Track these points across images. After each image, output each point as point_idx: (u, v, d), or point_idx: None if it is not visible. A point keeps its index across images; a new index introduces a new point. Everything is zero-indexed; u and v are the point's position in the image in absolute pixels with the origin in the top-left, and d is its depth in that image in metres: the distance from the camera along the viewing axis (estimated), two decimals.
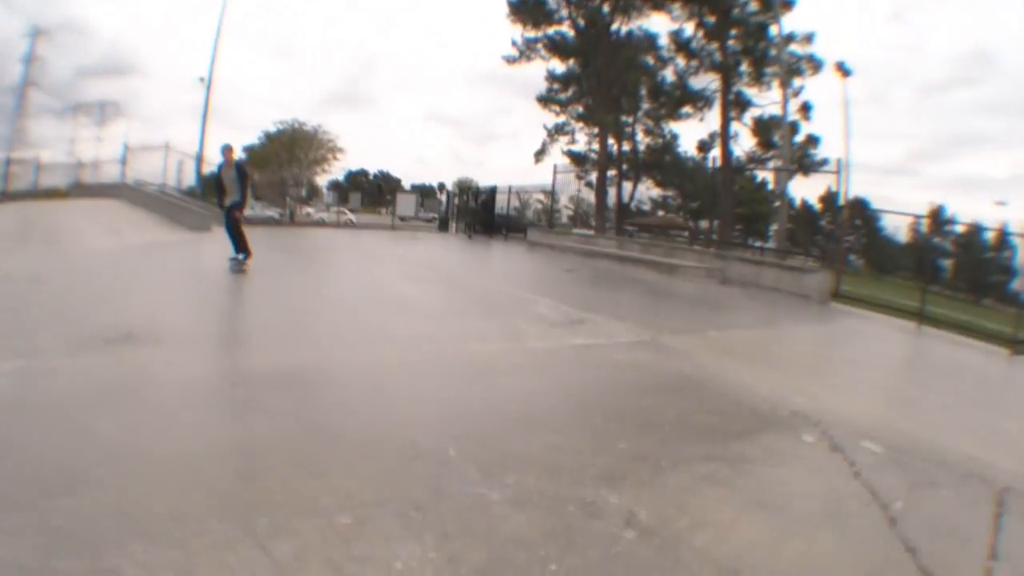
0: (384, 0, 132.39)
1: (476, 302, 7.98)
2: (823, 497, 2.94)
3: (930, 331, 10.38)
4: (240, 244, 9.05)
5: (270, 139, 52.72)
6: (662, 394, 4.35)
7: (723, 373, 5.00)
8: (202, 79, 27.54)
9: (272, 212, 26.37)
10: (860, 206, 25.99)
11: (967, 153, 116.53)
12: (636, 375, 4.80)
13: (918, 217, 18.49)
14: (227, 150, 9.39)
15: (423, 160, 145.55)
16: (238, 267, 8.75)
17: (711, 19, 26.54)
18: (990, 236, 44.07)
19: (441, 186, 73.79)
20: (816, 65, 25.17)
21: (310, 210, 38.14)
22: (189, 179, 26.04)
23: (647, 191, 30.63)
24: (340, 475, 2.61)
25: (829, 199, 25.52)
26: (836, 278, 12.52)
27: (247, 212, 9.88)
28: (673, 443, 3.39)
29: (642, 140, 31.86)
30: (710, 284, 12.79)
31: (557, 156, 30.74)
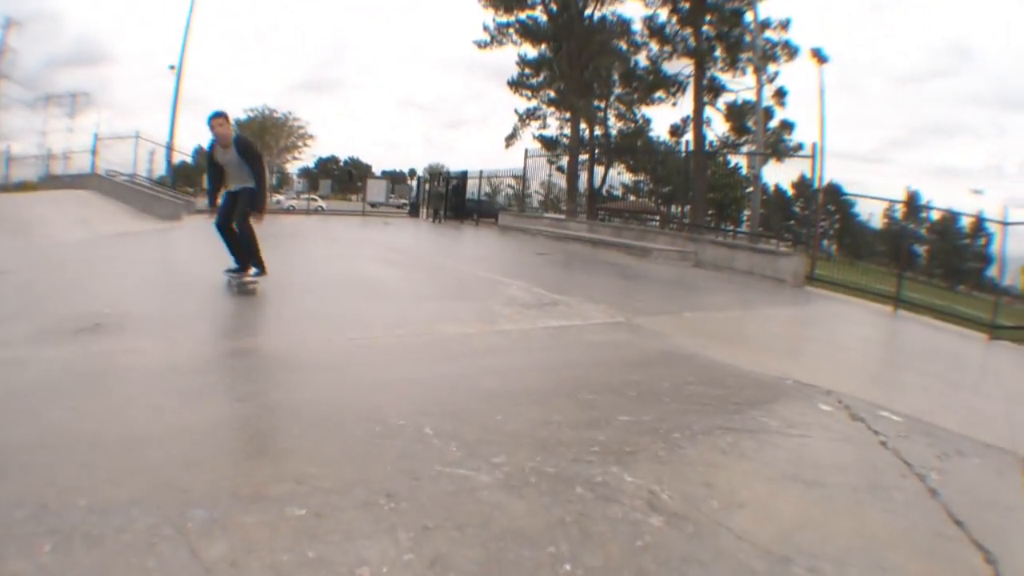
0: None
1: (448, 285, 7.66)
2: (858, 468, 2.63)
3: (907, 315, 10.27)
4: (251, 253, 5.96)
5: (240, 127, 51.58)
6: (649, 368, 4.07)
7: (705, 352, 4.70)
8: (172, 67, 26.18)
9: None
10: (834, 191, 26.18)
11: (942, 143, 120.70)
12: (617, 352, 4.55)
13: (893, 202, 18.58)
14: (217, 121, 5.78)
15: (394, 145, 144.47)
16: (243, 286, 5.85)
17: (686, 5, 26.13)
18: (966, 223, 45.12)
19: (412, 172, 73.00)
20: (792, 51, 24.95)
21: (280, 198, 37.14)
22: (160, 168, 25.88)
23: (619, 176, 30.24)
24: (298, 458, 2.21)
25: (802, 185, 25.60)
26: (810, 262, 12.40)
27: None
28: (680, 415, 3.03)
29: (614, 125, 31.48)
30: (683, 267, 12.51)
31: (528, 141, 30.19)
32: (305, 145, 54.21)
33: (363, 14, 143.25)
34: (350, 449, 2.33)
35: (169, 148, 24.82)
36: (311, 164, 69.49)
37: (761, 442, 2.73)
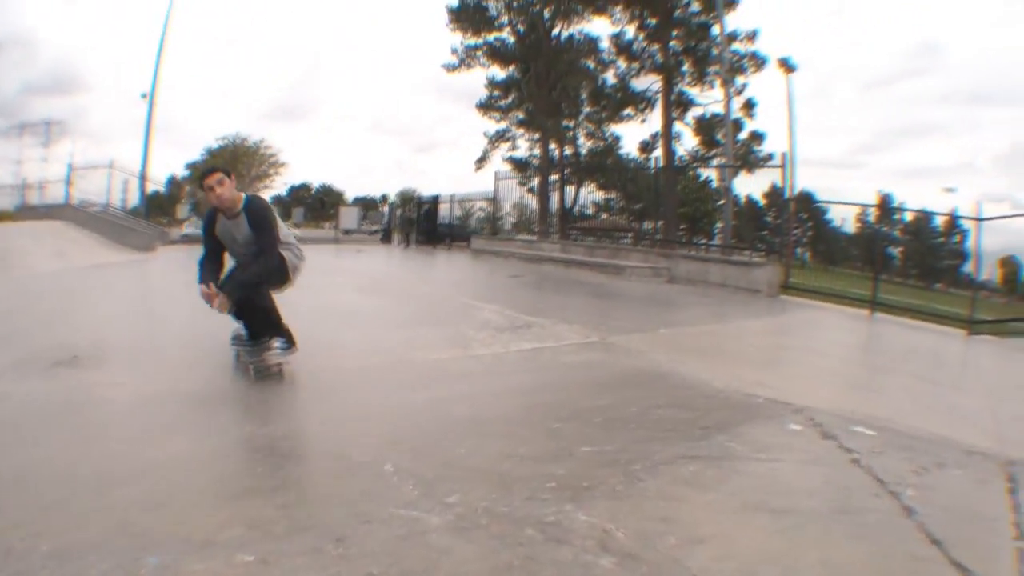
0: (323, 10, 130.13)
1: (420, 310, 7.60)
2: (828, 491, 2.55)
3: (884, 317, 10.35)
4: (270, 320, 4.09)
5: (212, 155, 51.35)
6: (620, 390, 4.02)
7: (680, 368, 4.66)
8: (144, 95, 26.00)
9: None
10: (806, 199, 26.56)
11: (912, 143, 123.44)
12: (589, 374, 4.52)
13: (865, 206, 18.91)
14: (215, 178, 3.82)
15: (367, 170, 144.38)
16: (263, 369, 4.03)
17: (653, 21, 26.45)
18: (940, 222, 45.97)
19: (384, 197, 72.99)
20: (759, 62, 25.23)
21: None
22: (134, 198, 25.57)
23: (590, 195, 30.22)
24: (256, 500, 2.17)
25: (774, 194, 25.94)
26: (785, 271, 12.51)
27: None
28: (644, 443, 2.94)
29: (584, 144, 31.41)
30: (657, 283, 12.50)
31: (499, 163, 30.29)
32: (277, 173, 54.07)
33: (333, 39, 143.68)
34: (308, 489, 2.31)
35: (142, 178, 24.69)
36: (283, 192, 69.41)
37: (726, 470, 2.64)
